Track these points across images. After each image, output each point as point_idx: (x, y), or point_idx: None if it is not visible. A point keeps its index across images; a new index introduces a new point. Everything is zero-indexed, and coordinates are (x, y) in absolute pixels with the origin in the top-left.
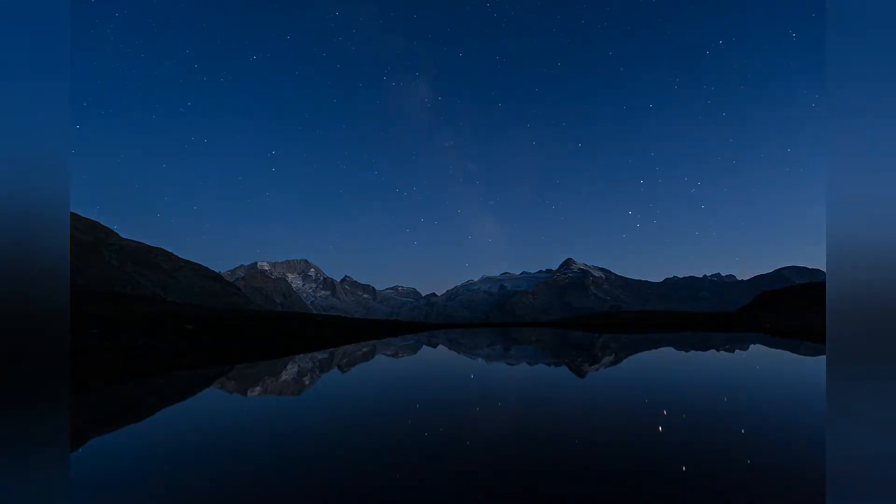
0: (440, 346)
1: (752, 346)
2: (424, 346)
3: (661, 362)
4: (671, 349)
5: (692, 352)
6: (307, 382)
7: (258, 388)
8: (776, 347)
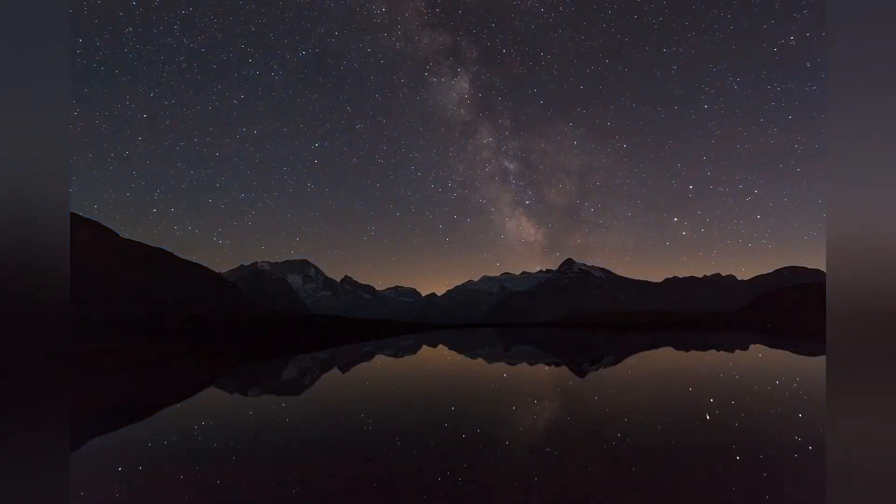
0: (440, 347)
1: (751, 347)
2: (424, 346)
3: (661, 362)
4: (671, 349)
5: (692, 352)
6: (307, 382)
7: (258, 389)
8: (776, 347)
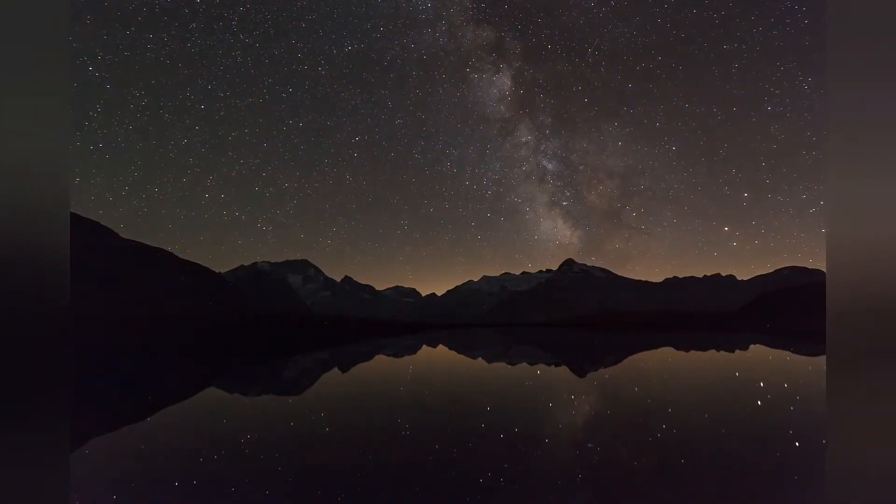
0: (440, 347)
1: (751, 346)
2: (424, 346)
3: (661, 362)
4: (671, 349)
5: (692, 352)
6: (307, 382)
7: (258, 389)
8: (776, 347)
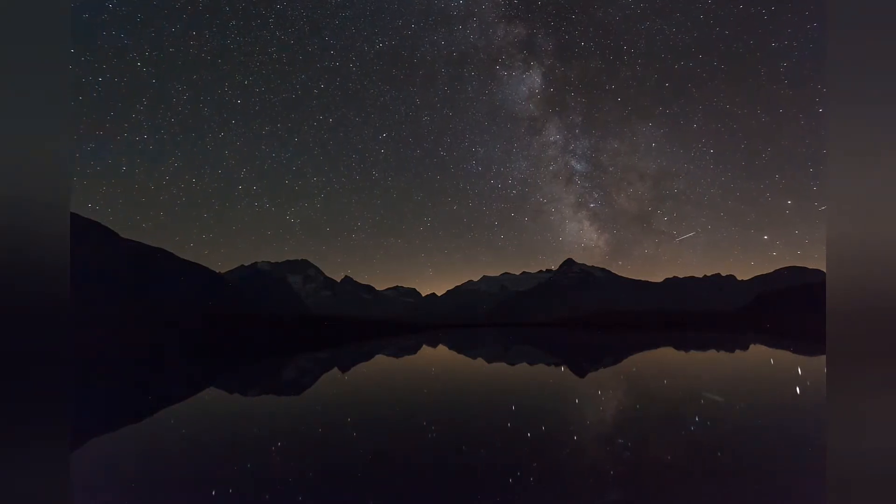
0: (440, 347)
1: (751, 347)
2: (424, 346)
3: (661, 362)
4: (671, 349)
5: (692, 352)
6: (307, 382)
7: (258, 388)
8: (776, 347)
